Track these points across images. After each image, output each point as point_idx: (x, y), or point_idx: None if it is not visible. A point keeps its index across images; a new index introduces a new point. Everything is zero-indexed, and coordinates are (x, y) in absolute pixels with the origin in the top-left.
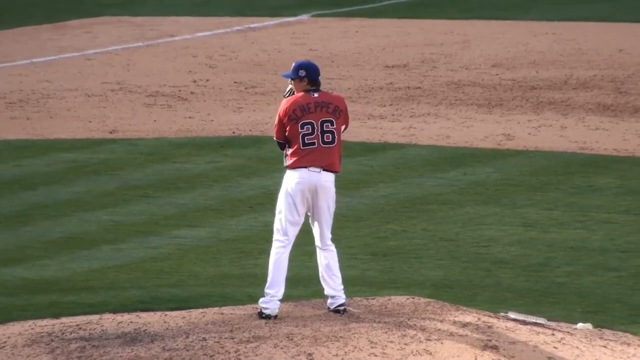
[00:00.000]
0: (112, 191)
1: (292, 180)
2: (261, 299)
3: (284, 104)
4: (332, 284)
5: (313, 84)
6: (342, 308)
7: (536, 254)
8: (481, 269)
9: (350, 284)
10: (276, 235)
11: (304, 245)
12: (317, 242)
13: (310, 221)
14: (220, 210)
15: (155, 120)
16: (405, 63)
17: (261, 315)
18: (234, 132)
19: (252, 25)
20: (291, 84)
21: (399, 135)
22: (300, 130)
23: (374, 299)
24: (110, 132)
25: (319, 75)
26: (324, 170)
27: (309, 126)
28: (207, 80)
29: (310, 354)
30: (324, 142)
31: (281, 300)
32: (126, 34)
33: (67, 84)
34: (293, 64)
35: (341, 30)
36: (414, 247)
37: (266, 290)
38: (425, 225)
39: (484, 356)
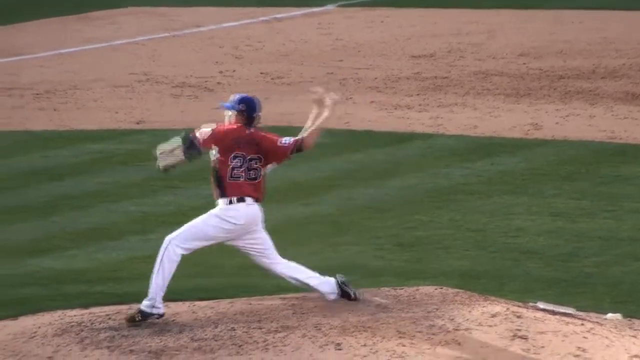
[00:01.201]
0: (139, 182)
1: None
2: (149, 304)
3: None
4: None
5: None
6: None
7: (564, 244)
8: (509, 259)
9: (377, 274)
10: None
11: (329, 236)
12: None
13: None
14: None
15: (182, 111)
16: (432, 53)
17: (148, 317)
18: (260, 123)
19: (277, 16)
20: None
21: (426, 125)
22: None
23: (402, 289)
24: (137, 123)
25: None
26: None
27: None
28: (234, 70)
29: (338, 344)
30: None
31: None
32: (152, 25)
33: (94, 74)
34: (235, 96)
35: (367, 20)
36: (441, 237)
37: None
38: (452, 216)
39: (513, 346)
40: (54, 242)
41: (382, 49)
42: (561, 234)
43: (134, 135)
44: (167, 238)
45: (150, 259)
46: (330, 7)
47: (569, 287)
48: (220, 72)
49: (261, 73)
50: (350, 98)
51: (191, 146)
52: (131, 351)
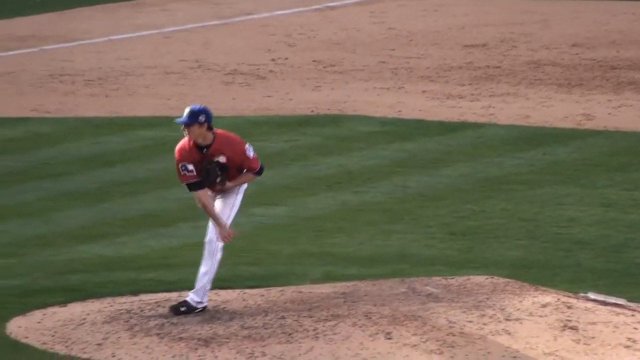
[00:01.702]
0: None
1: None
2: (197, 297)
3: (234, 135)
4: None
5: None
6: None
7: (616, 235)
8: (560, 249)
9: (429, 263)
10: None
11: (381, 224)
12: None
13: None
14: (299, 188)
15: (233, 99)
16: (485, 42)
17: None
18: (312, 111)
19: (330, 4)
20: (186, 130)
21: (478, 114)
22: None
23: (452, 278)
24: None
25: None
26: None
27: None
28: (286, 58)
29: (388, 333)
30: None
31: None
32: (204, 12)
33: (146, 61)
34: (188, 110)
35: (420, 9)
36: (492, 226)
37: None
38: (504, 205)
39: (563, 336)
40: (105, 229)
41: (434, 38)
42: (613, 224)
43: None
44: (217, 242)
45: (200, 246)
46: None
47: (620, 278)
48: (272, 59)
49: (313, 61)
50: (402, 87)
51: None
52: (181, 338)
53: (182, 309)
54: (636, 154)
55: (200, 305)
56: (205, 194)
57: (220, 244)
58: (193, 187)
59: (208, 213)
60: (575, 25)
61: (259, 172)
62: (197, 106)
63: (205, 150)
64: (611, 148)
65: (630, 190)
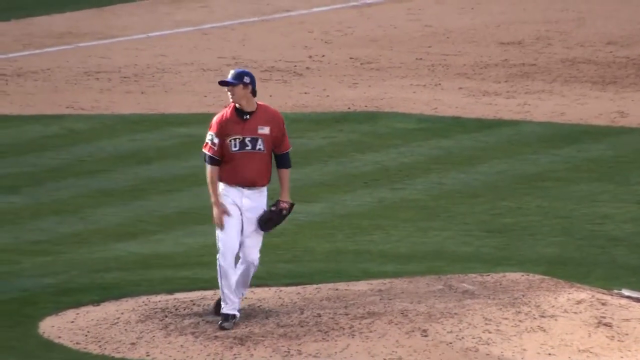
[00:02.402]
0: None
1: None
2: (229, 308)
3: (278, 111)
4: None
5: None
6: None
7: None
8: (595, 246)
9: (465, 260)
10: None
11: (418, 221)
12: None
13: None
14: (335, 185)
15: (270, 96)
16: (520, 40)
17: (231, 319)
18: (349, 108)
19: (367, 1)
20: (230, 91)
21: (513, 111)
22: None
23: (488, 275)
24: (225, 107)
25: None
26: None
27: None
28: (323, 55)
29: (424, 330)
30: None
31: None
32: (242, 9)
33: (183, 58)
34: (234, 72)
35: (457, 6)
36: (528, 223)
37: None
38: (539, 202)
39: (598, 333)
40: (141, 227)
41: (471, 36)
42: None
43: None
44: (257, 260)
45: None
46: None
47: None
48: (310, 56)
49: (350, 58)
50: (439, 84)
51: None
52: (216, 337)
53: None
54: None
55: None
56: (215, 170)
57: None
58: (210, 160)
59: (210, 189)
60: (610, 23)
61: (289, 158)
62: (242, 69)
63: (247, 117)
64: None
65: None
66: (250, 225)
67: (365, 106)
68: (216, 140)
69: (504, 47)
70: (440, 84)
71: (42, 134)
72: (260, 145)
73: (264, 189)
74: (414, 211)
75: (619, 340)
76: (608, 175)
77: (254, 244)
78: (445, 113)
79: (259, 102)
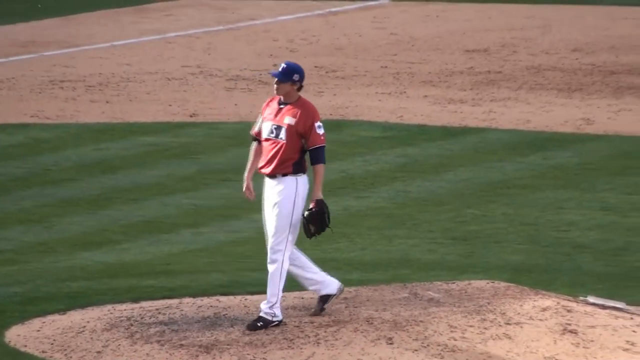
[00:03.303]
0: (193, 175)
1: (305, 185)
2: (268, 312)
3: (314, 108)
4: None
5: (300, 90)
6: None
7: (616, 239)
8: (561, 253)
9: (430, 268)
10: (287, 251)
11: (383, 229)
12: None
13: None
14: None
15: (236, 104)
16: (486, 47)
17: (271, 324)
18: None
19: (333, 9)
20: (277, 84)
21: (479, 119)
22: None
23: (453, 283)
24: (191, 116)
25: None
26: None
27: None
28: None
29: (390, 338)
30: None
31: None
32: (207, 17)
33: (148, 67)
34: (285, 66)
35: (422, 14)
36: (494, 231)
37: (277, 305)
38: (505, 210)
39: (563, 340)
40: (106, 236)
41: (436, 44)
42: (612, 228)
43: (188, 128)
44: (278, 256)
45: (202, 253)
46: (385, 1)
47: (620, 282)
48: (275, 65)
49: (315, 66)
50: (404, 92)
51: (324, 153)
52: (181, 345)
53: (259, 324)
54: (636, 158)
55: (275, 319)
56: (253, 147)
57: (288, 255)
58: (252, 137)
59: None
60: (575, 31)
61: (323, 156)
62: (293, 64)
63: (282, 107)
64: (611, 152)
65: (630, 194)
66: (267, 213)
67: (331, 114)
68: (259, 120)
69: (469, 55)
70: (405, 92)
71: (7, 143)
72: (282, 134)
73: (285, 180)
74: (380, 219)
75: (584, 347)
76: (573, 183)
77: (270, 233)
78: (410, 121)
79: (302, 97)
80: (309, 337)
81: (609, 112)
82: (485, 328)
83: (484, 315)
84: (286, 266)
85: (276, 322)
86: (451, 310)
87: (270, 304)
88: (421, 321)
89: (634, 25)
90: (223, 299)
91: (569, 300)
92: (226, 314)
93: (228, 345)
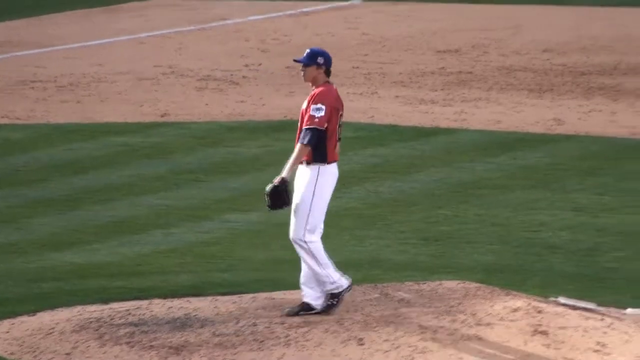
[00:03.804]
0: (164, 175)
1: (329, 176)
2: (331, 287)
3: (327, 91)
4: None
5: (328, 75)
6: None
7: (586, 239)
8: (532, 253)
9: (401, 268)
10: (309, 237)
11: (354, 229)
12: (319, 233)
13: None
14: None
15: (207, 104)
16: (457, 48)
17: (346, 291)
18: (285, 116)
19: (304, 10)
20: (302, 71)
21: (450, 119)
22: (338, 123)
23: (424, 283)
24: (162, 116)
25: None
26: None
27: (340, 119)
28: (260, 64)
29: (360, 339)
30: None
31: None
32: (178, 18)
33: (119, 67)
34: (309, 50)
35: (393, 14)
36: (465, 231)
37: (332, 277)
38: (476, 210)
39: (534, 341)
40: (76, 236)
41: (407, 44)
42: (583, 229)
43: (159, 128)
44: (297, 239)
45: (172, 253)
46: (356, 1)
47: (590, 282)
48: (246, 65)
49: (287, 67)
50: (375, 92)
51: (313, 135)
52: (151, 347)
53: (332, 301)
54: (606, 159)
55: (341, 289)
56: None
57: (309, 237)
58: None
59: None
60: (546, 31)
61: (308, 139)
62: (318, 48)
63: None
64: (581, 153)
65: (600, 195)
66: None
67: None
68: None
69: (440, 55)
70: (377, 92)
71: None
72: (300, 122)
73: (307, 168)
74: (351, 219)
75: (555, 348)
76: (544, 183)
77: (292, 221)
78: (382, 121)
79: (328, 83)
80: (280, 338)
81: (579, 113)
82: (456, 329)
83: (455, 316)
84: (315, 246)
85: (347, 287)
86: (422, 311)
87: (326, 284)
88: (392, 322)
89: (605, 25)
90: (193, 300)
91: (539, 301)
92: (196, 315)
93: (198, 346)
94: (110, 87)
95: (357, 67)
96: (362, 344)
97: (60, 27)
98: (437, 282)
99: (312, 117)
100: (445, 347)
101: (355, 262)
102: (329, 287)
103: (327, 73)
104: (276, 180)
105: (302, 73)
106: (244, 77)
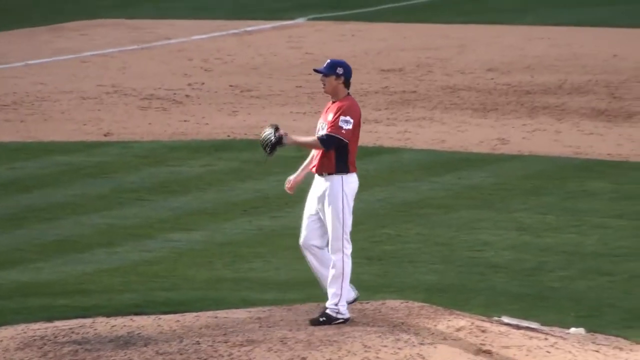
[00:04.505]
0: (107, 194)
1: (353, 184)
2: (333, 308)
3: (354, 105)
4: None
5: (348, 85)
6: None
7: (530, 259)
8: (475, 273)
9: None
10: (347, 249)
11: (298, 249)
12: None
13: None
14: (215, 213)
15: (150, 123)
16: (401, 67)
17: (335, 321)
18: (229, 136)
19: (248, 29)
20: (322, 81)
21: (394, 139)
22: (358, 135)
23: (368, 303)
24: (105, 135)
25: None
26: None
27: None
28: (203, 83)
29: (304, 358)
30: None
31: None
32: (122, 37)
33: (62, 86)
34: (329, 61)
35: (337, 33)
36: (408, 251)
37: (342, 303)
38: (420, 230)
39: None
40: (20, 255)
41: (351, 63)
42: (527, 248)
43: (102, 147)
44: (337, 256)
45: (116, 272)
46: (300, 20)
47: (534, 302)
48: (189, 84)
49: (230, 86)
50: (319, 112)
51: (332, 142)
52: None
53: (322, 319)
54: (549, 178)
55: (340, 316)
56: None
57: (348, 246)
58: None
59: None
60: (490, 50)
61: (325, 143)
62: (338, 59)
63: (331, 104)
64: (525, 172)
65: (544, 214)
66: (310, 210)
67: (245, 134)
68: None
69: (384, 75)
70: (319, 112)
71: None
72: (323, 131)
73: (330, 179)
74: (294, 239)
75: None
76: (488, 203)
77: (329, 234)
78: None
79: (350, 95)
80: (223, 356)
81: (523, 132)
82: (399, 348)
83: (398, 335)
84: (347, 264)
85: (341, 320)
86: (365, 330)
87: (333, 301)
88: (335, 341)
89: (549, 45)
90: (137, 318)
91: (483, 320)
92: (140, 334)
93: None
94: (54, 106)
95: (301, 87)
96: None
97: (3, 46)
98: (380, 302)
99: (339, 127)
100: None
101: (299, 282)
102: (331, 305)
103: (347, 84)
104: (281, 132)
105: (322, 84)
106: (187, 96)
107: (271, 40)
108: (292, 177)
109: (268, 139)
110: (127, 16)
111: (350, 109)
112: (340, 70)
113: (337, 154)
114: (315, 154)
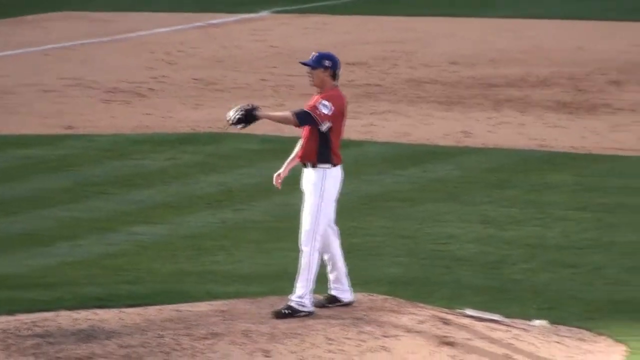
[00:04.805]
0: (70, 187)
1: (336, 177)
2: (298, 301)
3: (339, 96)
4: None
5: (335, 78)
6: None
7: (494, 251)
8: (439, 266)
9: None
10: (316, 242)
11: (262, 242)
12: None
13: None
14: (179, 207)
15: (112, 117)
16: (366, 60)
17: (299, 314)
18: (193, 129)
19: (212, 22)
20: (309, 74)
21: (359, 132)
22: (342, 128)
23: None
24: (67, 128)
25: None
26: None
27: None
28: (166, 76)
29: (267, 351)
30: None
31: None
32: (84, 29)
33: (23, 79)
34: (316, 54)
35: (302, 27)
36: (372, 244)
37: (307, 295)
38: (384, 222)
39: (440, 352)
40: None
41: None
42: (491, 241)
43: (64, 140)
44: (306, 249)
45: (79, 265)
46: (265, 13)
47: (497, 294)
48: (153, 77)
49: (194, 79)
50: (283, 105)
51: (307, 119)
52: (57, 358)
53: (286, 311)
54: (514, 171)
55: (304, 309)
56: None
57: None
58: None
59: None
60: (455, 43)
61: (300, 116)
62: (326, 52)
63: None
64: (490, 165)
65: (508, 207)
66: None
67: (209, 127)
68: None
69: (349, 68)
70: (284, 105)
71: None
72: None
73: (313, 171)
74: (258, 232)
75: None
76: (453, 196)
77: (302, 226)
78: (289, 134)
79: (336, 87)
80: (186, 349)
81: (488, 125)
82: (363, 340)
83: (362, 328)
84: (315, 258)
85: (305, 313)
86: (328, 323)
87: (298, 294)
88: (298, 334)
89: (513, 37)
90: (99, 311)
91: (446, 312)
92: (102, 327)
93: (104, 358)
94: (15, 99)
95: (265, 80)
96: (268, 356)
97: None
98: None
99: (315, 108)
100: (352, 358)
101: (262, 275)
102: (295, 297)
103: (334, 76)
104: (251, 106)
105: (309, 77)
106: (150, 89)
107: (235, 33)
108: (280, 172)
109: (240, 107)
110: (88, 9)
111: (332, 97)
112: (327, 63)
113: (320, 142)
114: (300, 145)
